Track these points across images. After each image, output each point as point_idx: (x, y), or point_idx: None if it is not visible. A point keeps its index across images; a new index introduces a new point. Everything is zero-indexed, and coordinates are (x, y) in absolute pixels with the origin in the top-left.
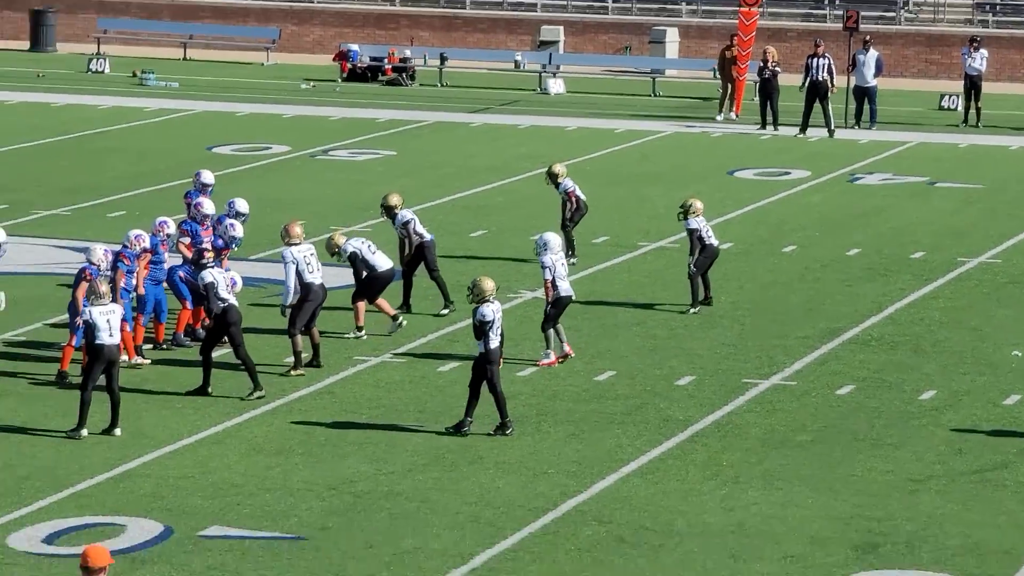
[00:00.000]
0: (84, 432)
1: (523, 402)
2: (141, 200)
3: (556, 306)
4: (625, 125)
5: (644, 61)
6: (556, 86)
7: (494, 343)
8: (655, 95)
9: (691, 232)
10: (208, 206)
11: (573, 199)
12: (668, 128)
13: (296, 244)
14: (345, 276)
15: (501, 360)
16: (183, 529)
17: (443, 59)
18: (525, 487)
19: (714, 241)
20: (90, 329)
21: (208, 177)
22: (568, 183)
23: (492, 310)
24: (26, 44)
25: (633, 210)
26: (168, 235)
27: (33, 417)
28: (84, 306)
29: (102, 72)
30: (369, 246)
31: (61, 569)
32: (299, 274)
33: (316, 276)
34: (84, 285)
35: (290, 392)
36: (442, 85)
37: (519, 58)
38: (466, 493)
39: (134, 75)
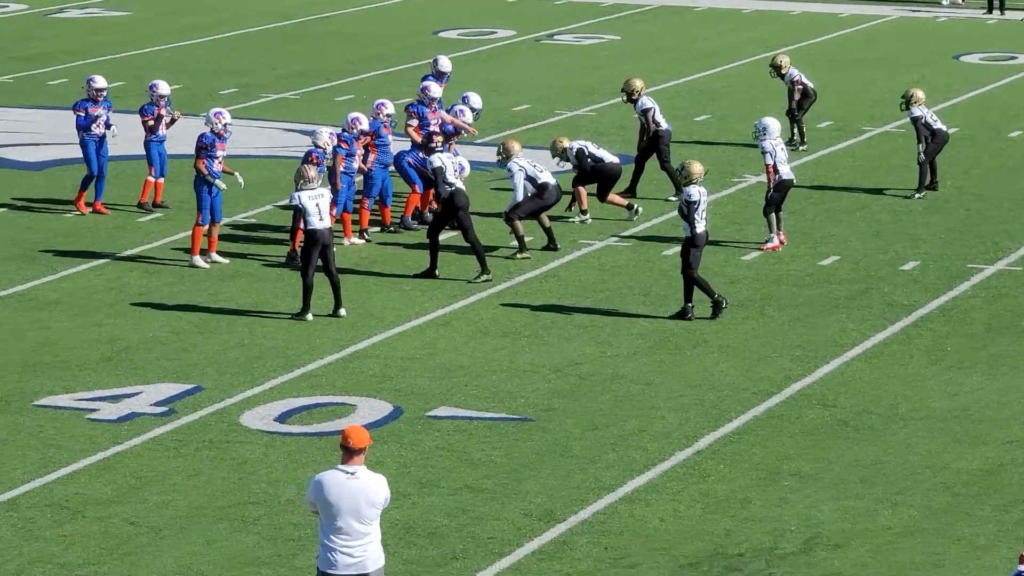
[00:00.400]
0: (309, 316)
1: (747, 286)
2: (368, 84)
3: (778, 190)
4: (849, 9)
5: None
6: None
7: (700, 227)
8: None
9: (915, 120)
10: (435, 90)
11: (799, 87)
12: (893, 12)
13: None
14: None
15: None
16: (412, 409)
17: None
18: (749, 370)
19: (942, 126)
20: (300, 214)
21: (445, 64)
22: (793, 72)
23: (698, 192)
24: None
25: (857, 95)
26: (389, 115)
27: (264, 298)
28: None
29: None
30: (594, 143)
31: (293, 447)
32: (531, 179)
33: (548, 176)
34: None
35: (516, 275)
36: None
37: None
38: (690, 376)
39: None
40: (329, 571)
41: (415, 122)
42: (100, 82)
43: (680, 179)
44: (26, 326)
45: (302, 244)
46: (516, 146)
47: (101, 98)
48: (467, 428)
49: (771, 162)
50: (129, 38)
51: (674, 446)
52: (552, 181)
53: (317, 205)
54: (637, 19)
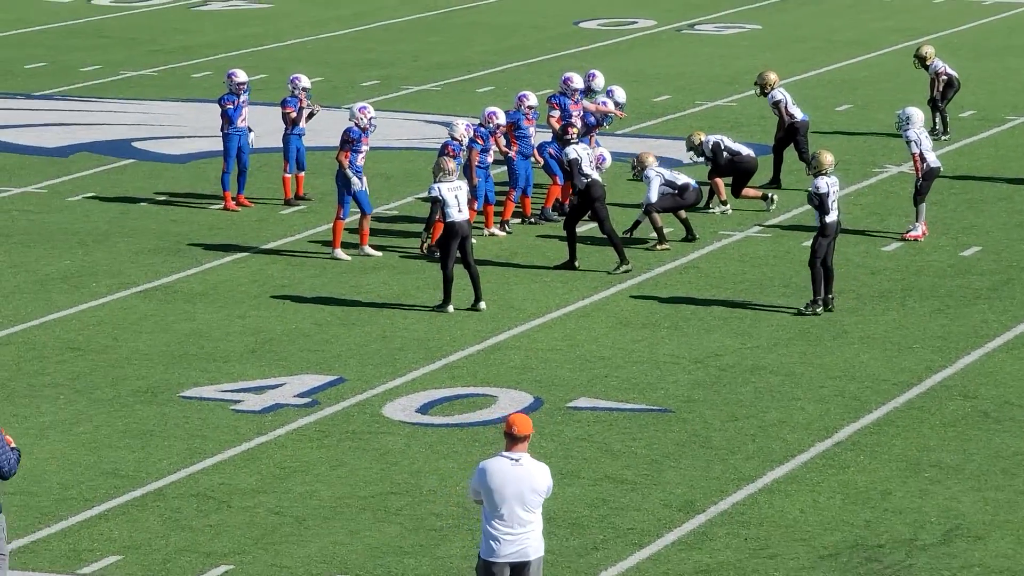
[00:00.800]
0: (451, 308)
1: (888, 277)
2: (508, 75)
3: (926, 178)
4: None
5: None
6: None
7: (829, 216)
8: None
9: None
10: (577, 80)
11: (943, 77)
12: None
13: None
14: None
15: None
16: (552, 400)
17: None
18: (890, 361)
19: None
20: (440, 205)
21: (598, 83)
22: (938, 63)
23: (826, 183)
24: None
25: (1000, 84)
26: (530, 107)
27: (405, 290)
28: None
29: None
30: (731, 137)
31: (434, 438)
32: (670, 182)
33: (687, 178)
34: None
35: (656, 267)
36: None
37: None
38: (831, 367)
39: None
40: (491, 559)
41: (557, 113)
42: (241, 76)
43: (810, 169)
44: (172, 318)
45: (441, 236)
46: (651, 158)
47: (242, 91)
48: (607, 419)
49: (917, 151)
50: (271, 31)
51: (814, 437)
52: (692, 182)
53: (456, 197)
54: (779, 8)
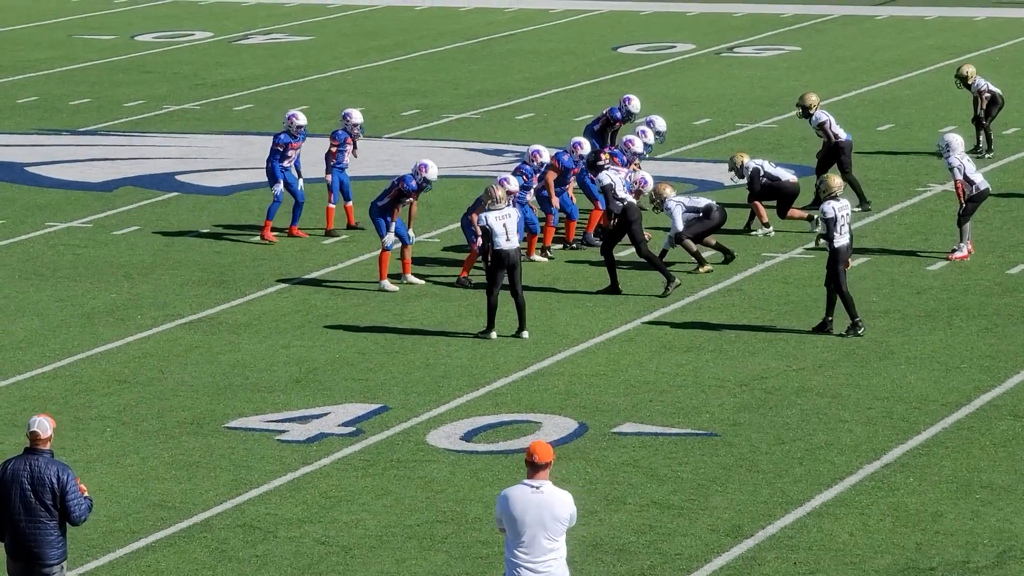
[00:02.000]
0: (494, 335)
1: (934, 296)
2: (548, 102)
3: (975, 200)
4: None
5: None
6: None
7: (838, 241)
8: None
9: None
10: (638, 145)
11: (987, 95)
12: None
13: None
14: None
15: (849, 262)
16: (597, 426)
17: None
18: (938, 382)
19: None
20: (487, 234)
21: (635, 106)
22: (980, 82)
23: (834, 207)
24: None
25: None
26: (581, 156)
27: (448, 317)
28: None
29: None
30: (771, 162)
31: (479, 465)
32: (691, 208)
33: (707, 200)
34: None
35: (699, 290)
36: None
37: None
38: (877, 388)
39: None
40: None
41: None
42: (301, 119)
43: (820, 193)
44: (217, 349)
45: (489, 263)
46: (668, 188)
47: (299, 133)
48: (653, 444)
49: (960, 176)
50: (312, 62)
51: (862, 459)
52: (713, 203)
53: (504, 225)
54: (819, 29)
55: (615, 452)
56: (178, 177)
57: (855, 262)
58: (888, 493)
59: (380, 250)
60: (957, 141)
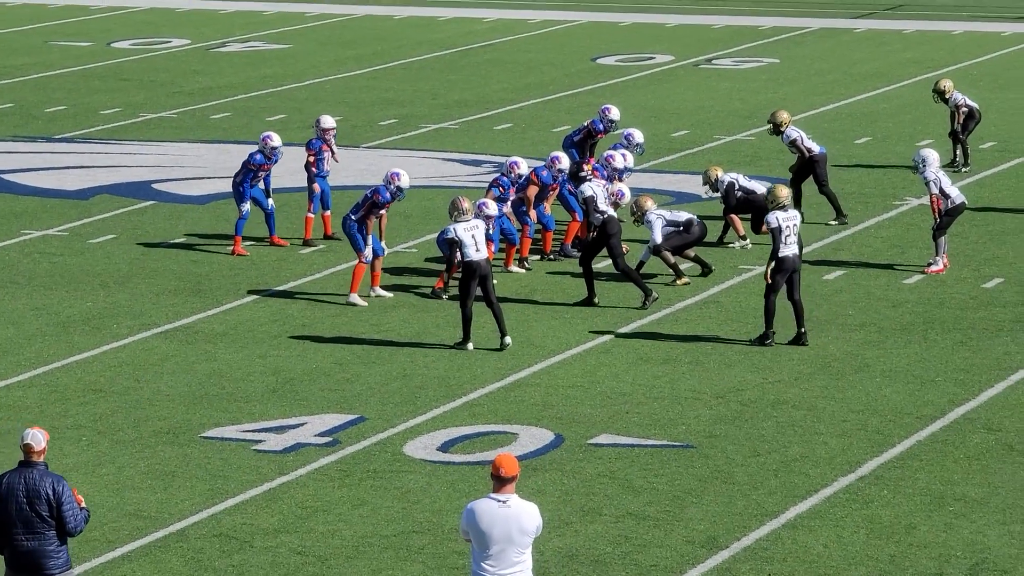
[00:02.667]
0: (470, 346)
1: (910, 309)
2: (527, 112)
3: (951, 214)
4: (1012, 28)
5: None
6: None
7: (785, 251)
8: None
9: None
10: (618, 160)
11: (964, 109)
12: None
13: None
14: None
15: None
16: (573, 437)
17: None
18: (913, 395)
19: None
20: (455, 245)
21: (615, 114)
22: (957, 96)
23: (778, 217)
24: None
25: (1021, 115)
26: (560, 170)
27: (425, 328)
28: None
29: None
30: (746, 175)
31: (456, 476)
32: (672, 222)
33: (688, 214)
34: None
35: (676, 302)
36: None
37: None
38: (853, 401)
39: None
40: None
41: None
42: (276, 140)
43: (767, 203)
44: (193, 358)
45: (460, 275)
46: (648, 201)
47: (273, 155)
48: (629, 455)
49: (936, 191)
50: (290, 71)
51: (837, 472)
52: (694, 217)
53: (473, 236)
54: (797, 41)
55: (591, 463)
56: (155, 185)
57: (831, 275)
58: (862, 505)
59: (356, 263)
60: (933, 156)
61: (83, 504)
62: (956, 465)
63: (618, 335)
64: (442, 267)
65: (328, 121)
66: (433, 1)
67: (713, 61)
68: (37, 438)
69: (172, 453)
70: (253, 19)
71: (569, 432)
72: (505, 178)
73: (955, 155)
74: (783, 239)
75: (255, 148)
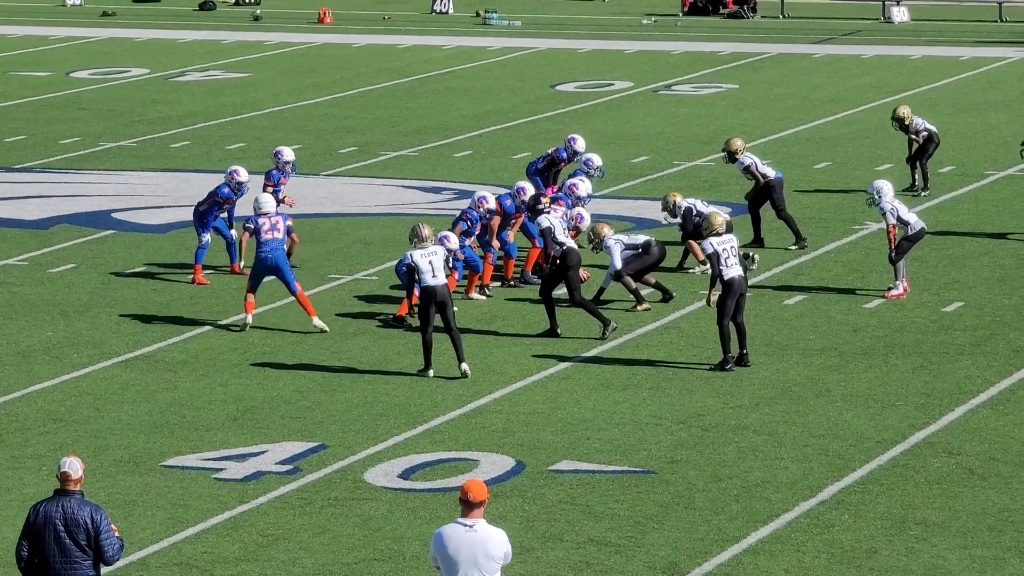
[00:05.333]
0: (431, 373)
1: (870, 334)
2: (486, 139)
3: (912, 240)
4: (971, 52)
5: None
6: (900, 14)
7: (728, 273)
8: (1001, 20)
9: None
10: (528, 191)
11: (923, 133)
12: (1015, 54)
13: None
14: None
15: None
16: (534, 463)
17: None
18: (873, 419)
19: None
20: (413, 272)
21: (580, 145)
22: (917, 121)
23: (712, 243)
24: None
25: (980, 138)
26: (523, 202)
27: (386, 355)
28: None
29: (446, 12)
30: (704, 201)
31: (417, 503)
32: (630, 246)
33: (645, 236)
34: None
35: (637, 328)
36: (784, 16)
37: None
38: (814, 425)
39: (477, 15)
40: None
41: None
42: (243, 175)
43: (703, 230)
44: (154, 387)
45: (419, 302)
46: (605, 228)
47: (239, 189)
48: (590, 481)
49: (892, 221)
50: (249, 99)
51: (798, 496)
52: (652, 239)
53: (430, 263)
54: (756, 67)
55: (552, 489)
56: (114, 215)
57: (791, 299)
58: (823, 530)
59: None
60: (887, 186)
61: (117, 532)
62: (917, 489)
63: (579, 361)
64: (403, 294)
65: (288, 154)
66: (394, 30)
67: (672, 87)
68: (74, 466)
69: (133, 482)
70: (212, 48)
71: (530, 458)
72: (474, 212)
73: (914, 179)
74: (723, 262)
75: (221, 180)
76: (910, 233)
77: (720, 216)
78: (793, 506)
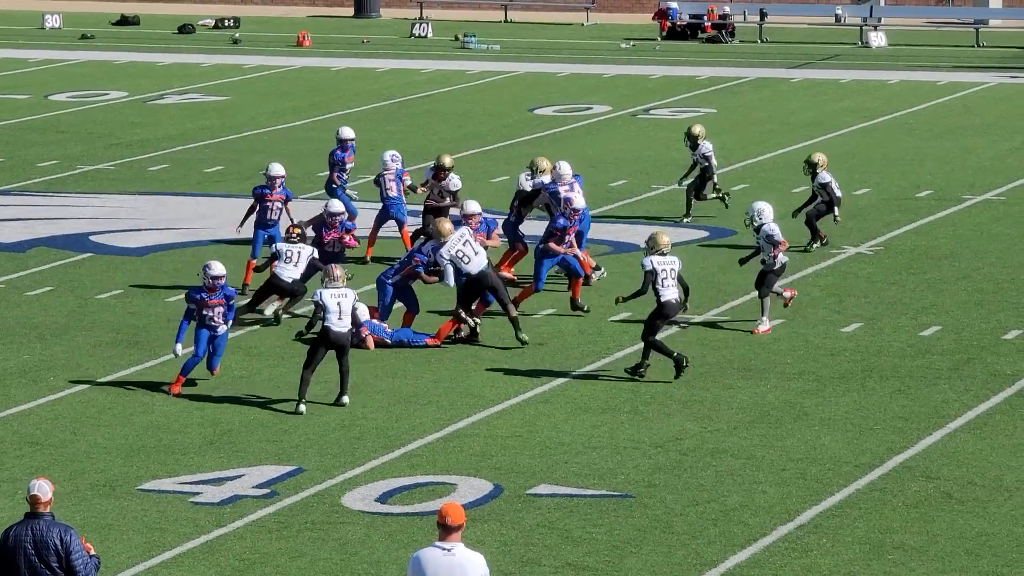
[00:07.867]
0: (303, 408)
1: (848, 358)
2: (465, 162)
3: (779, 273)
4: (948, 77)
5: (967, 12)
6: (877, 39)
7: (664, 295)
8: (979, 45)
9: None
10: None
11: (828, 191)
12: (992, 79)
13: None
14: None
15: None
16: (512, 487)
17: (763, 15)
18: (851, 443)
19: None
20: (319, 310)
21: (566, 169)
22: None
23: (652, 261)
24: (351, 11)
25: (957, 163)
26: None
27: (364, 379)
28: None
29: (425, 36)
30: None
31: (394, 527)
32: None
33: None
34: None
35: (615, 351)
36: (762, 41)
37: (839, 12)
38: (792, 450)
39: (456, 39)
40: None
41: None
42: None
43: (645, 249)
44: (130, 411)
45: (314, 338)
46: (446, 226)
47: (348, 149)
48: (568, 505)
49: (781, 237)
50: (228, 123)
51: (776, 521)
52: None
53: (339, 304)
54: (734, 91)
55: (530, 514)
56: (92, 238)
57: (765, 325)
58: (801, 554)
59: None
60: (768, 208)
61: (92, 551)
62: (895, 513)
63: (557, 385)
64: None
65: (277, 169)
66: (373, 53)
67: (650, 111)
68: (44, 489)
69: (109, 506)
70: (190, 71)
71: (508, 482)
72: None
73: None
74: (660, 282)
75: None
76: (777, 267)
77: (666, 236)
78: (771, 530)
